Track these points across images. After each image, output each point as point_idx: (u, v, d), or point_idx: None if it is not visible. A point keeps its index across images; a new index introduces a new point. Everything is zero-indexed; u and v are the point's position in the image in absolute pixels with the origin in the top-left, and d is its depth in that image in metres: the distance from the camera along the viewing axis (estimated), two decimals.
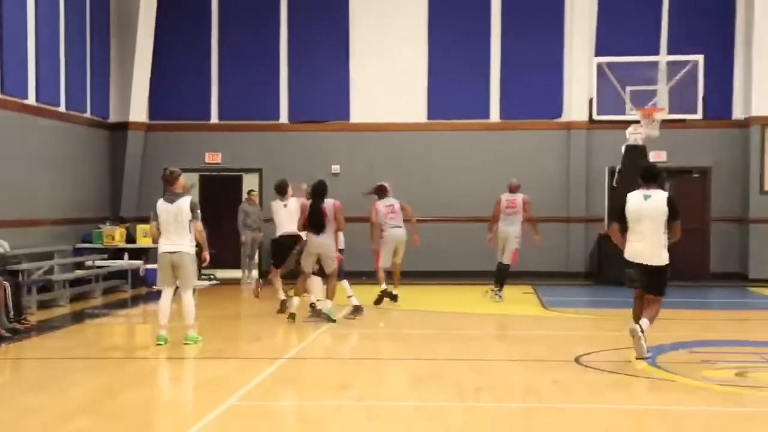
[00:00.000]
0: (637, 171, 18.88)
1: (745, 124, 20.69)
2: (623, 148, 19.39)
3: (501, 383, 9.19)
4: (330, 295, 13.50)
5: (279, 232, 14.72)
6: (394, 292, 15.76)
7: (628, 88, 19.24)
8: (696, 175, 21.15)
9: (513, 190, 16.72)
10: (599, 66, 19.53)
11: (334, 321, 13.32)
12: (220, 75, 21.87)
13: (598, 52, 20.63)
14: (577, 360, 10.31)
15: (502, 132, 21.35)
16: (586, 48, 21.16)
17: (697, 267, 20.40)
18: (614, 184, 19.75)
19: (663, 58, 19.63)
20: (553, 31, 21.34)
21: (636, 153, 19.34)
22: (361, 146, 21.55)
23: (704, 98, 19.32)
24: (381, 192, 16.09)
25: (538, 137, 21.26)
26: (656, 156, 20.39)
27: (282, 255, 14.74)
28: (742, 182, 20.87)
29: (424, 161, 21.41)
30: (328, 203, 13.38)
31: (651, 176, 10.54)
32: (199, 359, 10.69)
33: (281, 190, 14.82)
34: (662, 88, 19.27)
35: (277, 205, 14.81)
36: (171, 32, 21.60)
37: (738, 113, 21.01)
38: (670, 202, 10.31)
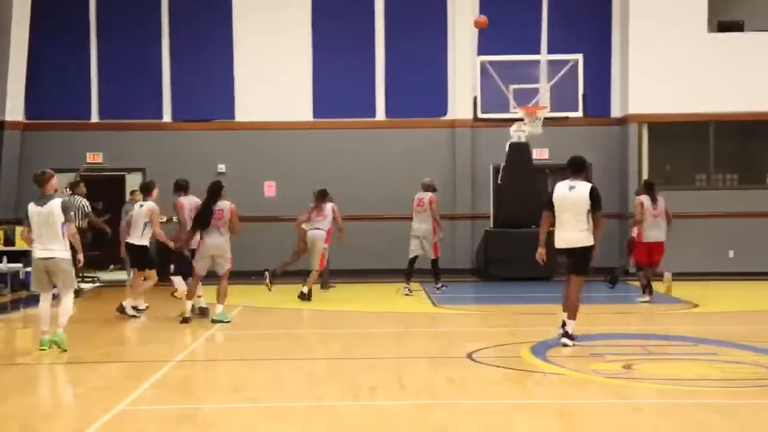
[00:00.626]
0: (521, 168, 19.55)
1: (624, 121, 21.22)
2: (507, 146, 19.73)
3: (395, 381, 9.17)
4: (222, 297, 13.34)
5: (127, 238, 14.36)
6: (304, 290, 15.84)
7: (512, 87, 19.57)
8: None
9: (423, 188, 17.35)
10: (482, 65, 19.81)
11: (228, 322, 13.18)
12: (99, 72, 21.37)
13: (481, 51, 20.87)
14: (469, 356, 10.38)
15: (388, 130, 21.43)
16: (469, 47, 21.37)
17: None
18: (499, 181, 20.06)
19: (544, 57, 20.00)
20: (437, 30, 21.50)
21: (520, 150, 19.71)
22: (247, 145, 21.33)
23: (584, 96, 19.79)
24: (322, 198, 16.25)
25: (423, 135, 21.39)
26: (539, 153, 20.78)
27: (135, 261, 14.48)
28: (621, 179, 21.38)
29: (311, 160, 21.31)
30: (225, 205, 13.25)
31: (576, 167, 10.95)
32: (87, 364, 10.38)
33: (144, 190, 14.47)
34: (544, 87, 19.66)
35: (134, 207, 14.45)
36: (48, 27, 21.00)
37: (616, 111, 21.53)
38: (593, 194, 10.73)
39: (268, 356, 11.03)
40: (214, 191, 13.30)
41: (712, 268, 20.37)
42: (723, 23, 21.31)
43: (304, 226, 16.44)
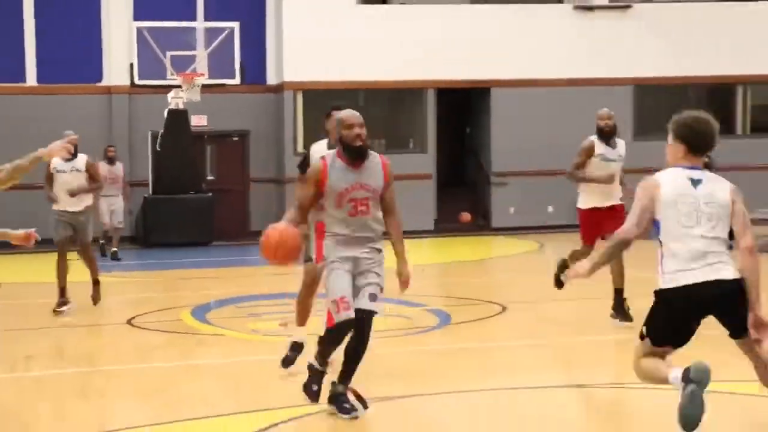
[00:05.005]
0: (178, 135, 19.53)
1: (279, 88, 21.67)
2: (166, 113, 19.65)
3: (52, 350, 9.03)
4: None
5: None
6: None
7: (169, 53, 19.49)
8: (235, 138, 21.89)
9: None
10: (139, 30, 19.59)
11: None
12: None
13: (137, 17, 20.55)
14: (129, 322, 10.38)
15: (39, 96, 20.56)
16: (124, 12, 20.95)
17: (238, 226, 21.09)
18: (158, 148, 19.93)
19: (200, 24, 20.12)
20: None
21: (178, 117, 19.73)
22: None
23: (241, 64, 20.05)
24: None
25: (78, 102, 20.71)
26: (198, 120, 20.82)
27: None
28: (277, 145, 21.87)
29: None
30: None
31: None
32: None
33: None
34: (201, 54, 19.75)
35: None
36: None
37: (272, 79, 21.96)
38: None
39: None
40: None
41: None
42: None
43: None
